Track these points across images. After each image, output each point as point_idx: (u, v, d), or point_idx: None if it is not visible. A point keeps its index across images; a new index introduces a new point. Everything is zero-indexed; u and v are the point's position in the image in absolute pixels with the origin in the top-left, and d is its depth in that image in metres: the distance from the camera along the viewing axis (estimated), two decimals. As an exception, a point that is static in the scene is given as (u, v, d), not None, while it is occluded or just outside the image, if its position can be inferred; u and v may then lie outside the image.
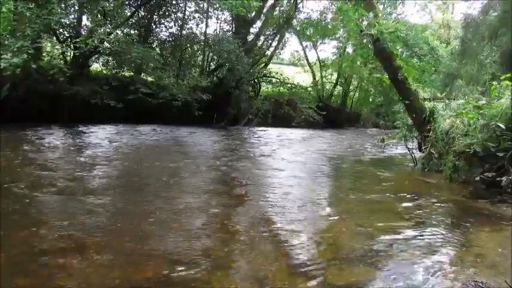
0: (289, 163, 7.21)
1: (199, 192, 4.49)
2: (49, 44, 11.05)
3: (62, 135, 8.50)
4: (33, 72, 9.24)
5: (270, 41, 18.58)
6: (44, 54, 11.06)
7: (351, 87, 21.27)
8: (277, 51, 19.79)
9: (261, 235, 3.15)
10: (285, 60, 24.20)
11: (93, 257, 2.49)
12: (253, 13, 15.95)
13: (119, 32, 12.72)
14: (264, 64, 18.34)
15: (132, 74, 13.89)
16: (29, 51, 8.60)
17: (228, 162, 6.83)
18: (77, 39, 10.24)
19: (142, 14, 14.11)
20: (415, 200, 4.59)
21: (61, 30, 11.38)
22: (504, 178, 4.71)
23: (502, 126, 5.02)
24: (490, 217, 4.00)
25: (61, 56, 11.12)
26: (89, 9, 11.45)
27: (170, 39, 15.06)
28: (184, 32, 15.13)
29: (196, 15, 15.19)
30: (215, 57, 15.59)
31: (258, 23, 17.31)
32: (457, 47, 14.31)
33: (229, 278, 2.34)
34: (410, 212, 4.08)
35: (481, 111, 5.73)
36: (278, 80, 17.43)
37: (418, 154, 7.56)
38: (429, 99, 9.11)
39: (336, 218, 3.79)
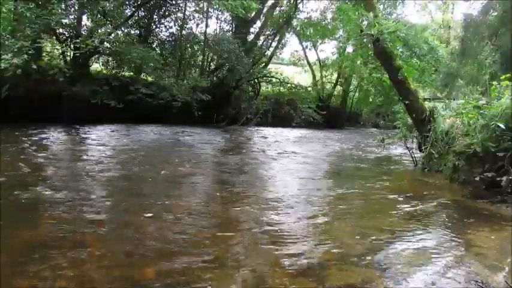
0: (288, 162, 7.21)
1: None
2: (49, 44, 11.04)
3: (61, 136, 8.50)
4: (33, 72, 9.23)
5: (270, 41, 18.55)
6: (44, 54, 11.06)
7: (351, 87, 21.24)
8: (277, 51, 19.76)
9: (261, 234, 3.15)
10: (285, 60, 24.17)
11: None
12: (253, 13, 15.94)
13: (119, 32, 12.71)
14: (264, 64, 18.32)
15: (132, 74, 13.89)
16: (29, 51, 8.59)
17: (225, 166, 6.83)
18: (77, 39, 10.23)
19: (142, 14, 14.10)
20: (415, 200, 4.59)
21: (61, 30, 11.36)
22: (504, 178, 4.71)
23: (502, 126, 5.02)
24: (490, 217, 4.00)
25: (61, 56, 11.12)
26: (89, 9, 11.44)
27: (170, 39, 15.05)
28: (184, 32, 15.12)
29: (196, 15, 15.19)
30: (215, 57, 15.57)
31: (258, 23, 17.31)
32: (457, 47, 14.30)
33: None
34: (410, 212, 4.08)
35: (481, 111, 5.74)
36: (278, 80, 17.42)
37: (418, 154, 7.56)
38: (429, 99, 9.12)
39: (336, 217, 3.79)
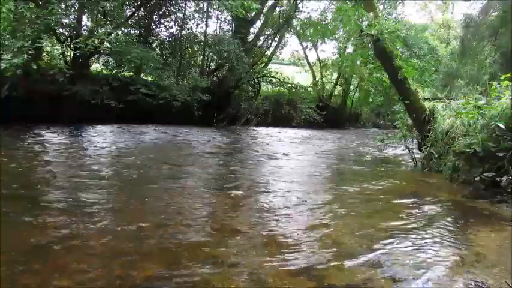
0: (288, 162, 7.21)
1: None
2: (49, 44, 11.03)
3: (61, 136, 8.50)
4: (33, 72, 9.23)
5: (270, 41, 18.56)
6: (44, 54, 11.05)
7: (351, 87, 21.27)
8: (277, 51, 19.78)
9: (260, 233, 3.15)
10: (285, 60, 24.18)
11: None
12: (253, 13, 15.94)
13: (119, 32, 12.69)
14: (264, 64, 18.33)
15: (132, 74, 13.88)
16: (29, 51, 8.58)
17: (222, 168, 6.82)
18: (77, 39, 10.22)
19: (142, 14, 14.09)
20: (415, 200, 4.59)
21: (61, 30, 11.35)
22: (504, 178, 4.71)
23: (502, 126, 5.02)
24: (490, 217, 4.00)
25: (61, 56, 11.10)
26: (89, 9, 11.43)
27: (170, 39, 15.05)
28: (184, 32, 15.11)
29: (196, 15, 15.17)
30: (215, 57, 15.58)
31: (258, 23, 17.31)
32: (457, 47, 14.31)
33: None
34: (410, 212, 4.08)
35: (481, 111, 5.74)
36: (278, 80, 17.43)
37: (418, 154, 7.56)
38: (429, 99, 9.12)
39: (335, 218, 3.79)
